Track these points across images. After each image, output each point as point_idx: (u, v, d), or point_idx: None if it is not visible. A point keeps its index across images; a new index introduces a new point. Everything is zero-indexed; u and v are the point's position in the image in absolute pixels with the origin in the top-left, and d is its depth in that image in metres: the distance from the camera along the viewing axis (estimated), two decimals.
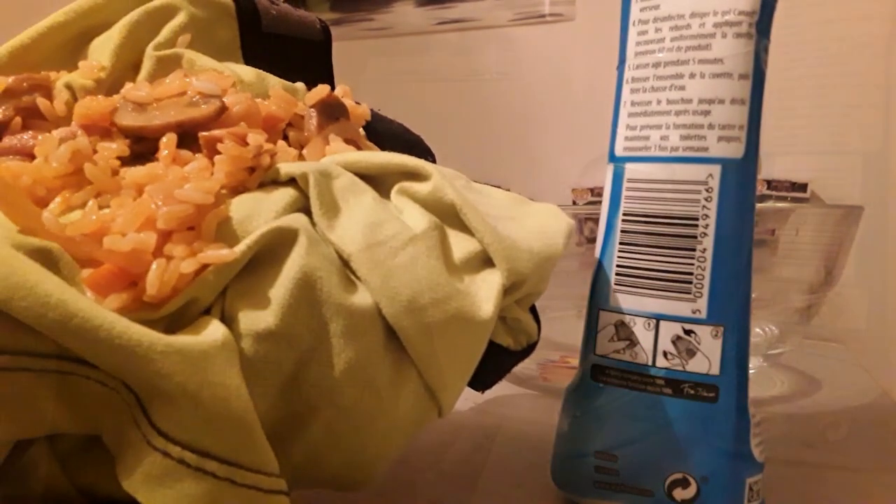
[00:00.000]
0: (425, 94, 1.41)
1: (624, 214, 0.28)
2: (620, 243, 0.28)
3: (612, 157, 0.29)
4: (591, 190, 1.36)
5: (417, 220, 0.27)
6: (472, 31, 1.45)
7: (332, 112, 0.33)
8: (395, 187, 0.29)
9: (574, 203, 1.36)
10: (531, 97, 1.45)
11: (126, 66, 0.36)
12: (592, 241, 0.31)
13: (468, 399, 0.46)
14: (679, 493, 0.26)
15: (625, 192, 0.28)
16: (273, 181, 0.27)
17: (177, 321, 0.24)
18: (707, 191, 0.25)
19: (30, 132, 0.30)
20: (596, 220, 0.29)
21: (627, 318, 0.27)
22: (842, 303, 0.97)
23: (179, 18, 0.37)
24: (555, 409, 0.32)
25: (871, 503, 0.30)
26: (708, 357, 0.26)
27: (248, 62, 0.40)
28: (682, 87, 0.25)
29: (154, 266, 0.23)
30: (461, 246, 0.26)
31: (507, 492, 0.32)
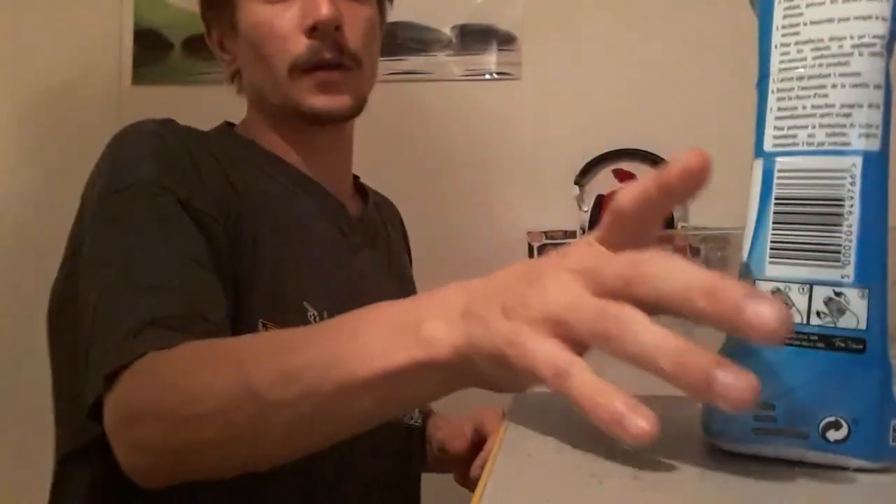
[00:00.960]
0: (378, 142, 1.44)
1: (777, 199, 0.32)
2: (774, 223, 0.32)
3: (761, 153, 0.33)
4: (545, 233, 1.45)
5: None
6: (423, 83, 1.51)
7: None
8: None
9: (530, 245, 1.44)
10: (481, 147, 1.52)
11: None
12: None
13: None
14: (832, 435, 0.30)
15: (776, 180, 0.33)
16: None
17: None
18: (851, 177, 0.31)
19: None
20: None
21: (782, 285, 0.32)
22: None
23: None
24: None
25: None
26: (856, 314, 0.30)
27: None
28: (826, 95, 0.31)
29: None
30: None
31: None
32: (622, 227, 0.34)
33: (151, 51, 1.54)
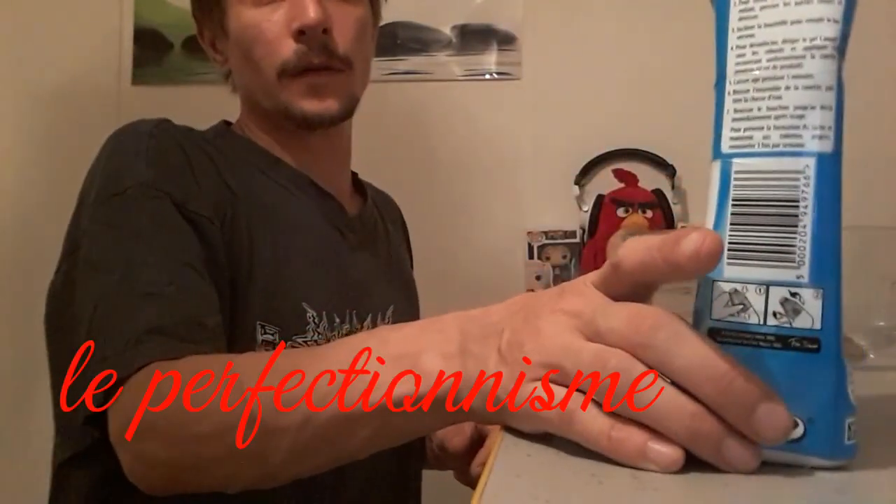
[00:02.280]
0: (378, 142, 1.44)
1: (734, 200, 0.33)
2: (732, 224, 0.33)
3: (719, 154, 0.34)
4: (545, 233, 1.45)
5: None
6: (423, 83, 1.50)
7: None
8: None
9: (530, 245, 1.44)
10: (481, 147, 1.52)
11: None
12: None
13: None
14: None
15: (733, 182, 0.33)
16: None
17: None
18: (805, 178, 0.31)
19: None
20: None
21: (740, 286, 0.32)
22: None
23: None
24: None
25: None
26: (811, 314, 0.31)
27: None
28: (780, 97, 0.32)
29: None
30: None
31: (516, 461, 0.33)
32: (620, 282, 0.33)
33: (151, 51, 1.54)
